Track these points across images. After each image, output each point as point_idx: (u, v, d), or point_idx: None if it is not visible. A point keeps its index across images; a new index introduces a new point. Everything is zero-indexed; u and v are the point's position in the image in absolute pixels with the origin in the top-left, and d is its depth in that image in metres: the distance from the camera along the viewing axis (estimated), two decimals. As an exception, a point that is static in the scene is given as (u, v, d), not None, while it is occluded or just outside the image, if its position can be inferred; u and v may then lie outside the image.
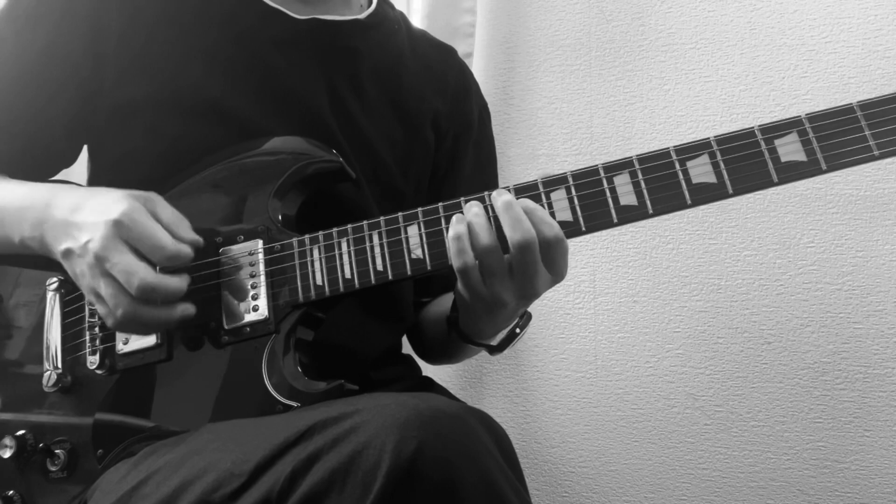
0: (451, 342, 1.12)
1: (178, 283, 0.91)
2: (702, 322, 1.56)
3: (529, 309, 1.05)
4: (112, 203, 0.91)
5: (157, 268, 0.91)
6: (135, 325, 0.93)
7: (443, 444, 0.70)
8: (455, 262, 0.91)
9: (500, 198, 0.90)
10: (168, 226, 0.92)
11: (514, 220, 0.89)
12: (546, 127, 1.66)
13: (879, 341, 1.46)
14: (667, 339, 1.57)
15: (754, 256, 1.53)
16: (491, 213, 0.92)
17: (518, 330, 1.07)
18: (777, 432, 1.51)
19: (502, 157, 1.66)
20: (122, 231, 0.89)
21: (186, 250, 0.92)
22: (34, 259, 1.01)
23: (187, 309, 0.93)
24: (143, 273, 0.88)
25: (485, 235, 0.89)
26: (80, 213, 0.93)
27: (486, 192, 0.94)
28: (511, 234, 0.88)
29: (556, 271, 0.93)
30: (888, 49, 1.46)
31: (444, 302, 1.18)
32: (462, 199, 0.95)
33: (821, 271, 1.49)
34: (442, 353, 1.28)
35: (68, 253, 0.93)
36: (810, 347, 1.49)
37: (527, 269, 0.90)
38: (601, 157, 1.61)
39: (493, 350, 1.09)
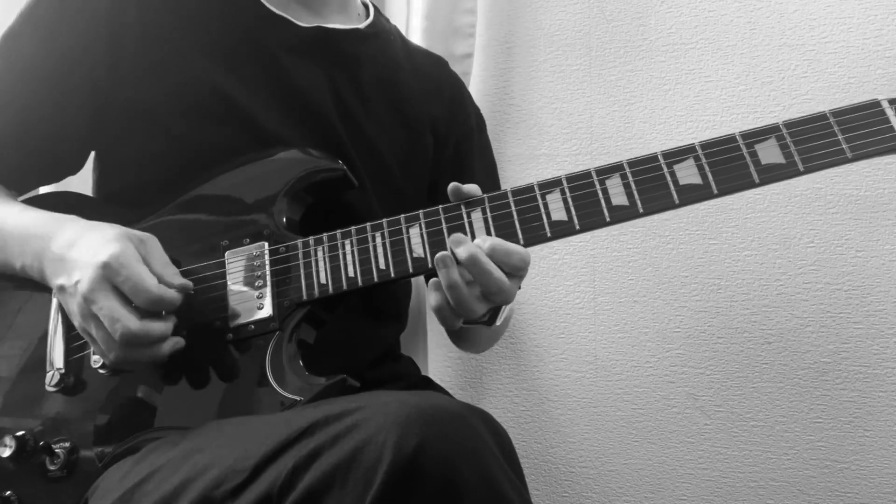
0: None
1: (162, 328, 0.94)
2: (702, 322, 1.56)
3: None
4: (104, 244, 0.93)
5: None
6: (127, 366, 0.96)
7: (444, 442, 0.71)
8: (444, 326, 0.98)
9: (461, 250, 0.93)
10: (157, 270, 0.94)
11: (483, 275, 0.92)
12: (546, 127, 1.66)
13: (879, 341, 1.46)
14: (667, 339, 1.57)
15: (754, 256, 1.53)
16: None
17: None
18: (777, 432, 1.51)
19: (502, 156, 1.66)
20: (109, 273, 0.91)
21: (171, 294, 0.93)
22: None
23: (177, 343, 0.96)
24: (125, 320, 0.90)
25: (456, 295, 0.93)
26: (75, 249, 0.95)
27: (462, 202, 0.98)
28: (486, 289, 0.93)
29: (521, 279, 0.98)
30: (888, 49, 1.46)
31: None
32: (462, 202, 0.99)
33: (821, 271, 1.49)
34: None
35: (62, 289, 0.96)
36: (810, 347, 1.49)
37: (499, 299, 0.96)
38: (601, 156, 1.61)
39: (487, 324, 1.13)
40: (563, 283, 1.64)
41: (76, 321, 0.95)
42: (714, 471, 1.54)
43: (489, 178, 1.34)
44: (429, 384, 1.25)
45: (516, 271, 0.94)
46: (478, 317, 0.98)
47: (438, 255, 0.93)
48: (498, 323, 1.14)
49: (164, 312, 0.95)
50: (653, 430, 1.58)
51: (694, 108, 1.57)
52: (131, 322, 0.90)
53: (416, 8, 1.60)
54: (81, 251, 0.94)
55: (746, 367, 1.53)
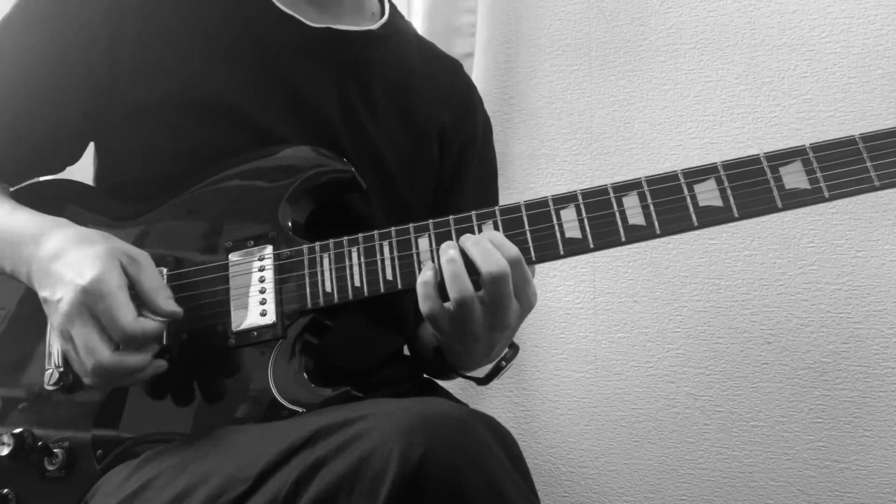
0: (440, 369, 1.14)
1: (137, 361, 0.90)
2: (702, 322, 1.56)
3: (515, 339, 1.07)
4: (88, 262, 0.89)
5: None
6: (106, 388, 0.95)
7: (449, 450, 0.70)
8: (422, 307, 0.92)
9: (467, 241, 0.91)
10: (144, 294, 0.91)
11: (484, 254, 0.89)
12: (546, 127, 1.66)
13: (879, 341, 1.46)
14: (667, 339, 1.57)
15: (754, 256, 1.53)
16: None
17: (504, 363, 1.09)
18: (777, 432, 1.51)
19: (502, 156, 1.66)
20: (88, 300, 0.87)
21: (150, 328, 0.89)
22: None
23: (158, 368, 0.92)
24: (98, 354, 0.87)
25: (460, 286, 0.90)
26: (59, 262, 0.92)
27: (473, 213, 0.95)
28: (483, 267, 0.89)
29: (525, 298, 0.94)
30: (888, 49, 1.46)
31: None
32: (473, 212, 0.96)
33: (821, 271, 1.49)
34: (435, 375, 1.27)
35: (45, 301, 0.93)
36: (810, 347, 1.49)
37: (500, 301, 0.91)
38: (601, 156, 1.61)
39: (480, 382, 1.11)
40: (563, 283, 1.64)
41: (55, 335, 0.92)
42: (714, 471, 1.54)
43: (485, 185, 1.31)
44: (432, 386, 1.24)
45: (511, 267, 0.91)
46: (477, 340, 0.95)
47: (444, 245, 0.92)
48: (489, 385, 1.13)
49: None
50: (653, 430, 1.58)
51: (694, 108, 1.57)
52: (103, 356, 0.87)
53: (417, 8, 1.60)
54: (64, 267, 0.90)
55: (746, 367, 1.53)
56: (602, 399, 1.61)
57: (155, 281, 0.92)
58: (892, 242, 1.46)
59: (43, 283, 0.93)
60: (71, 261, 0.91)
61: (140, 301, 0.91)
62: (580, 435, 1.62)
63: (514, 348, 1.10)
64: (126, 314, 0.88)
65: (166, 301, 0.92)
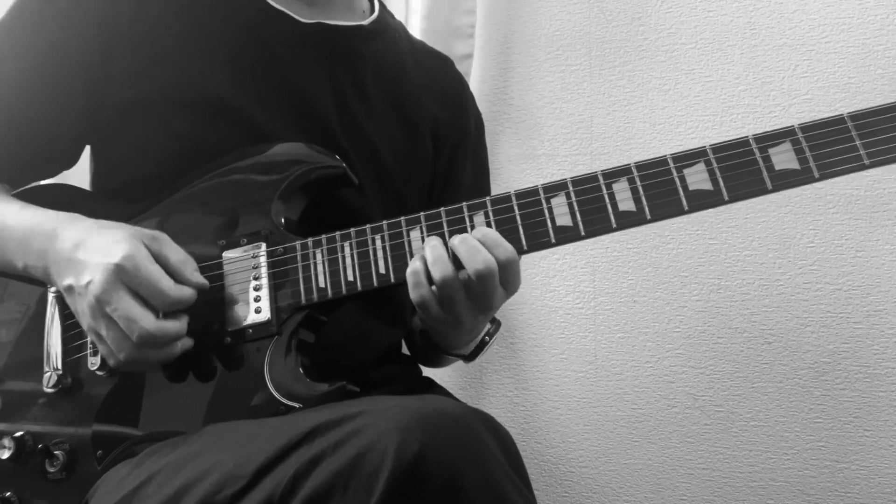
0: (430, 351, 1.17)
1: (179, 326, 0.93)
2: (702, 322, 1.56)
3: (499, 316, 1.10)
4: (114, 244, 0.91)
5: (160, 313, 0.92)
6: (136, 366, 0.95)
7: (446, 447, 0.70)
8: (412, 294, 0.94)
9: (454, 239, 0.93)
10: (173, 267, 0.93)
11: (470, 251, 0.91)
12: (546, 127, 1.66)
13: (879, 341, 1.46)
14: (667, 339, 1.57)
15: (754, 256, 1.53)
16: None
17: (488, 338, 1.12)
18: (777, 432, 1.51)
19: (502, 157, 1.66)
20: (122, 275, 0.89)
21: (188, 294, 0.93)
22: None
23: (185, 343, 0.95)
24: (143, 321, 0.89)
25: (442, 267, 0.92)
26: (83, 250, 0.93)
27: (463, 204, 0.96)
28: (469, 265, 0.91)
29: (511, 287, 0.96)
30: (888, 49, 1.46)
31: None
32: (464, 203, 0.96)
33: (821, 271, 1.49)
34: (428, 360, 1.30)
35: (70, 289, 0.94)
36: (810, 347, 1.49)
37: (486, 292, 0.93)
38: (601, 156, 1.61)
39: (466, 359, 1.14)
40: (563, 283, 1.64)
41: (85, 321, 0.93)
42: (714, 471, 1.54)
43: (479, 181, 1.33)
44: (431, 385, 1.25)
45: (501, 269, 0.92)
46: (461, 323, 0.97)
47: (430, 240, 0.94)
48: (475, 360, 1.16)
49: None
50: (653, 430, 1.58)
51: (694, 108, 1.57)
52: (148, 322, 0.89)
53: (416, 8, 1.60)
54: (90, 252, 0.92)
55: (746, 367, 1.53)
56: (602, 399, 1.61)
57: (180, 254, 0.95)
58: (892, 242, 1.46)
59: (65, 272, 0.94)
60: (96, 246, 0.93)
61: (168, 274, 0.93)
62: (580, 435, 1.62)
63: (497, 323, 1.13)
64: (166, 280, 0.91)
65: (193, 273, 0.95)
